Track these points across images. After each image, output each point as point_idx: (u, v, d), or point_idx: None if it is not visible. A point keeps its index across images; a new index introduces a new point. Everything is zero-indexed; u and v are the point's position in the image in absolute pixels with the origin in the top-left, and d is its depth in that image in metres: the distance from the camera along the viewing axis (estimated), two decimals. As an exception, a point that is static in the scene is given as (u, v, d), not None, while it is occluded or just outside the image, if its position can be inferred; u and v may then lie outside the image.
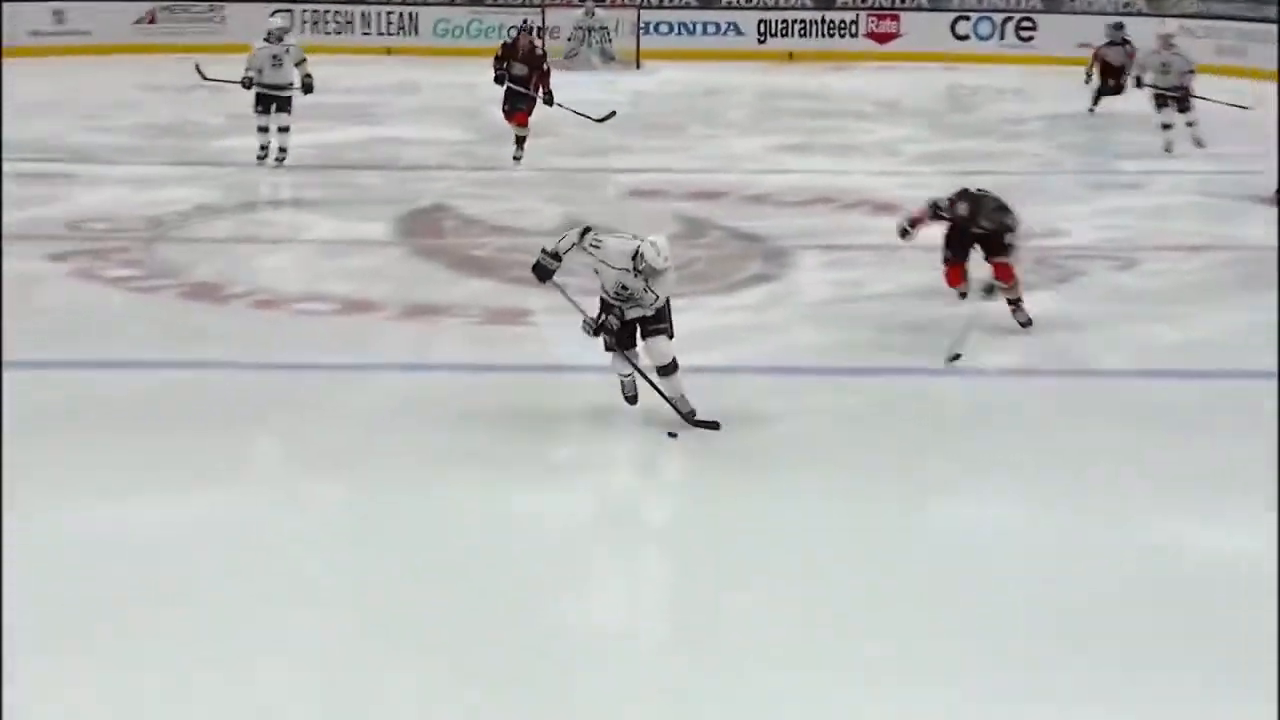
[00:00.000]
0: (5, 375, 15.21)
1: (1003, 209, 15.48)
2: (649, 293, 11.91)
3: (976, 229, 15.58)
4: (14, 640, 9.39)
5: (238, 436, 13.92)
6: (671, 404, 12.42)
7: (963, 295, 16.18)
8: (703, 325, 16.79)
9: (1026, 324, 15.91)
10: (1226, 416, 14.24)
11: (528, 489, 11.92)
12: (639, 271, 11.72)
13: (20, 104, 29.89)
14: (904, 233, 16.06)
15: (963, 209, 15.44)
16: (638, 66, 38.04)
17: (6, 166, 24.97)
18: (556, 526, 11.17)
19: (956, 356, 14.64)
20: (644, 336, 12.33)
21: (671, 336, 12.26)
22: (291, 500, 12.34)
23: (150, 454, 13.27)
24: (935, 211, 15.77)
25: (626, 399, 12.92)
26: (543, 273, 12.16)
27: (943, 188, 23.81)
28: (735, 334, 17.09)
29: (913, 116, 31.97)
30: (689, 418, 12.42)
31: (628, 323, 12.29)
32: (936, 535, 12.02)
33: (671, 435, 12.39)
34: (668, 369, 12.20)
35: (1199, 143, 25.86)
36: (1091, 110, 28.80)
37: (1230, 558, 11.17)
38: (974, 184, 15.87)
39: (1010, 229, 15.42)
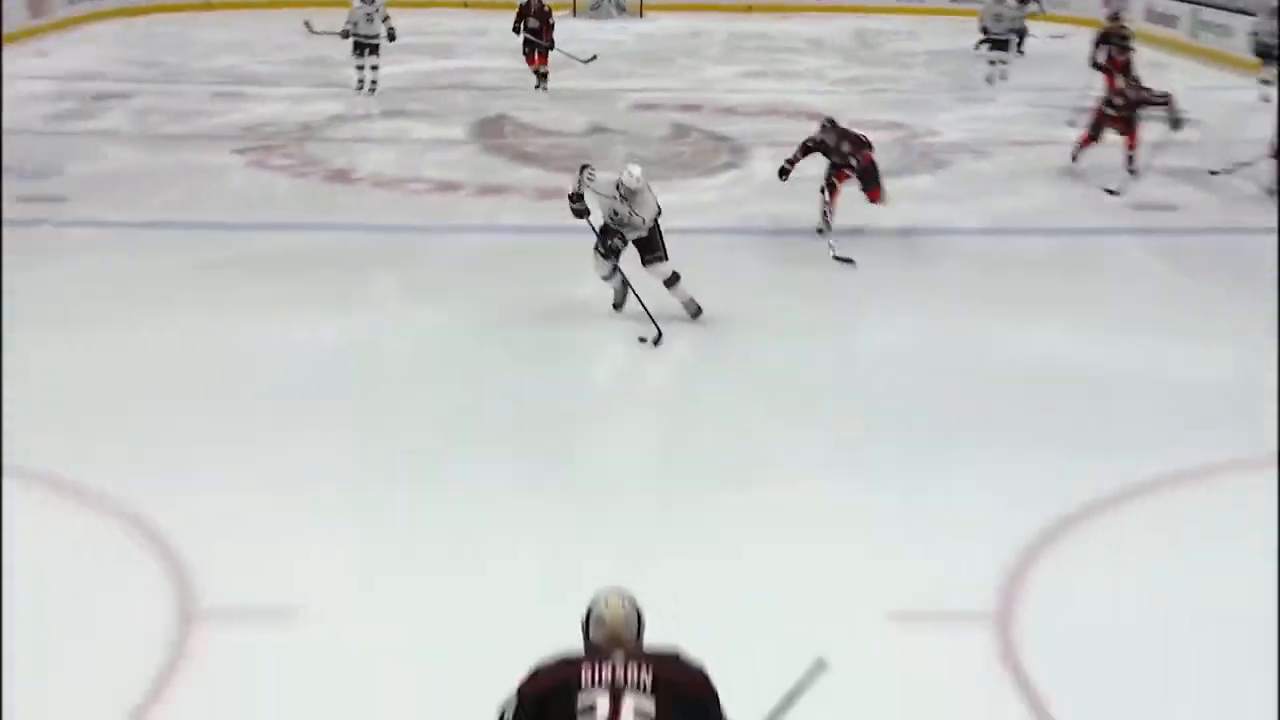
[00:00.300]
0: (196, 236, 16.04)
1: (857, 138, 14.83)
2: (635, 215, 11.51)
3: (839, 155, 14.78)
4: (207, 426, 10.31)
5: (362, 276, 14.60)
6: (683, 306, 12.01)
7: (825, 223, 14.96)
8: (688, 199, 17.81)
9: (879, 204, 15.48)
10: (1051, 260, 15.38)
11: (564, 316, 12.58)
12: (623, 197, 11.37)
13: (207, 46, 30.58)
14: (783, 173, 15.31)
15: (828, 137, 14.68)
16: (641, 15, 37.99)
17: (202, 89, 25.63)
18: (586, 341, 12.12)
19: (842, 258, 14.17)
20: (645, 264, 11.89)
21: (666, 259, 11.86)
22: (401, 322, 13.06)
23: (301, 289, 13.93)
24: (805, 148, 15.05)
25: (614, 305, 12.32)
26: (578, 214, 11.77)
27: (853, 101, 24.28)
28: (709, 205, 17.95)
29: (834, 51, 32.17)
30: (695, 311, 12.04)
31: (628, 243, 11.87)
32: (854, 351, 12.66)
33: (641, 340, 11.59)
34: (670, 281, 11.88)
35: (1004, 76, 25.98)
36: (976, 48, 27.76)
37: (1044, 356, 11.88)
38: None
39: (864, 147, 14.71)
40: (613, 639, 4.76)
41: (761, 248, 15.47)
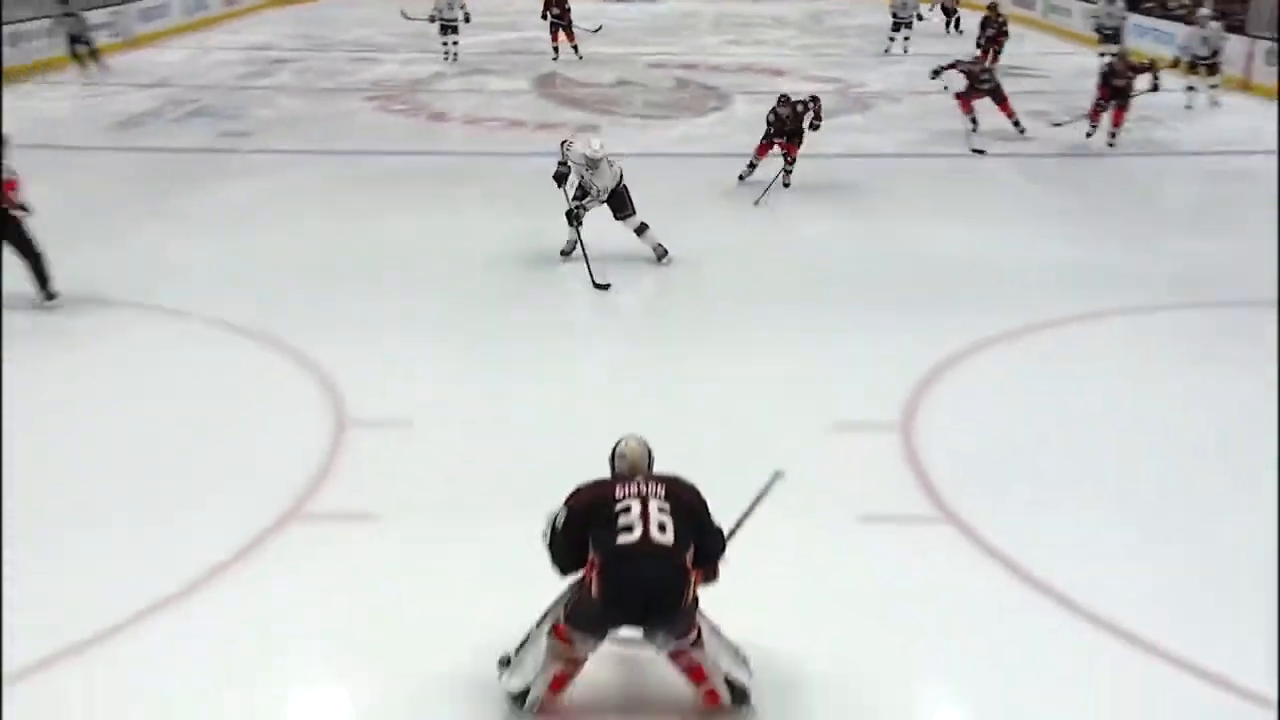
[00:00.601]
0: (338, 159, 16.18)
1: (803, 108, 13.36)
2: (599, 179, 10.29)
3: (785, 126, 13.38)
4: (349, 290, 10.41)
5: (454, 188, 14.73)
6: (653, 250, 10.79)
7: (752, 166, 13.92)
8: (688, 133, 18.35)
9: (787, 185, 13.66)
10: (945, 176, 15.34)
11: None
12: (588, 166, 10.18)
13: (346, 23, 30.55)
14: (751, 166, 13.93)
15: (783, 111, 13.30)
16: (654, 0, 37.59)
17: (342, 55, 25.63)
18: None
19: (743, 178, 13.74)
20: (617, 219, 10.69)
21: (634, 213, 10.64)
22: (481, 220, 13.18)
23: (411, 197, 14.12)
24: (769, 131, 13.59)
25: (562, 252, 11.04)
26: (558, 179, 10.43)
27: (806, 62, 24.07)
28: (703, 138, 18.08)
29: (792, 26, 31.71)
30: (661, 254, 10.82)
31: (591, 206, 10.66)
32: (793, 239, 12.66)
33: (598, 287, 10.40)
34: (640, 230, 10.67)
35: (906, 50, 24.95)
36: (894, 29, 26.31)
37: (937, 242, 12.06)
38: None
39: (808, 113, 13.34)
40: (633, 468, 5.00)
41: (738, 167, 14.92)
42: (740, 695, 5.01)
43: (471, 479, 7.25)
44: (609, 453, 5.15)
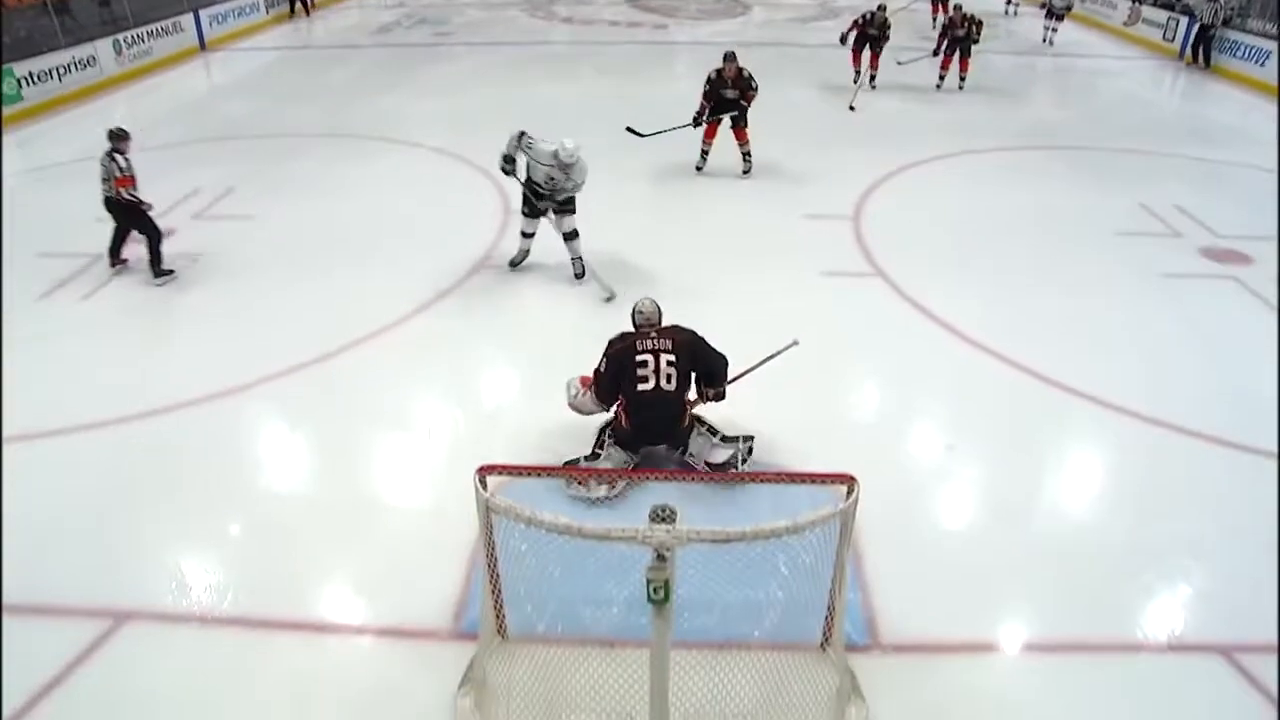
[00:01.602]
0: (506, 49, 16.73)
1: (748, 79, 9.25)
2: (570, 180, 7.17)
3: (729, 91, 9.39)
4: (512, 128, 9.68)
5: (573, 66, 15.64)
6: (571, 262, 7.49)
7: (705, 153, 9.84)
8: (721, 29, 18.59)
9: (747, 172, 9.87)
10: (890, 68, 14.11)
11: (662, 83, 12.97)
12: (561, 167, 7.05)
13: None
14: (696, 122, 9.65)
15: (726, 69, 9.33)
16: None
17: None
18: (670, 99, 11.45)
19: (700, 169, 9.98)
20: (556, 213, 7.36)
21: (573, 213, 7.38)
22: (594, 86, 14.07)
23: (549, 71, 15.13)
24: (708, 87, 9.52)
25: (511, 263, 7.72)
26: (506, 173, 7.33)
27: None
28: (731, 32, 18.31)
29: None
30: (579, 272, 7.52)
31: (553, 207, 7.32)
32: (786, 105, 13.05)
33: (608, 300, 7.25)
34: (570, 236, 7.39)
35: None
36: None
37: (880, 110, 12.70)
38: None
39: (749, 87, 9.29)
40: (648, 323, 4.91)
41: (759, 52, 14.86)
42: (729, 464, 4.87)
43: (601, 236, 7.62)
44: (630, 312, 5.01)
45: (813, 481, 3.27)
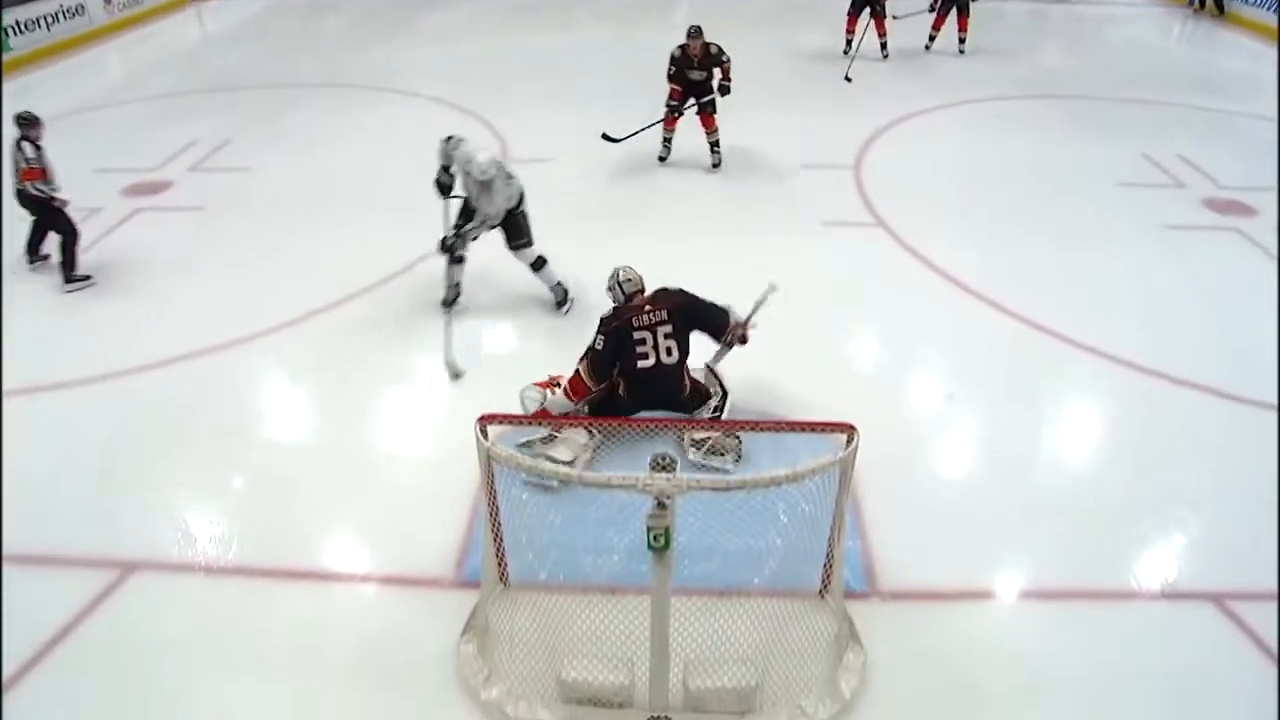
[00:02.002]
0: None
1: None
2: (491, 204, 5.87)
3: (695, 72, 8.15)
4: (522, 71, 10.64)
5: (569, 14, 15.19)
6: (550, 290, 6.33)
7: (667, 141, 8.58)
8: None
9: (716, 166, 8.63)
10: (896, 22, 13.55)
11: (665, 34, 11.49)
12: (480, 183, 5.81)
13: None
14: (675, 111, 8.38)
15: (690, 46, 8.03)
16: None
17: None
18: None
19: (664, 159, 8.75)
20: (511, 249, 6.15)
21: (531, 243, 6.13)
22: (591, 33, 13.90)
23: (543, 20, 14.76)
24: (673, 69, 8.23)
25: (443, 302, 6.30)
26: (442, 189, 6.10)
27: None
28: None
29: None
30: (560, 299, 6.34)
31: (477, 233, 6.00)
32: (801, 52, 12.69)
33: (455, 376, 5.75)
34: (537, 265, 6.22)
35: None
36: None
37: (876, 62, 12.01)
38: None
39: (719, 63, 7.97)
40: (636, 290, 4.80)
41: None
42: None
43: (589, 184, 7.89)
44: (611, 282, 4.83)
45: (812, 430, 3.29)
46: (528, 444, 4.22)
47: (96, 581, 4.07)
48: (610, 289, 4.79)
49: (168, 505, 4.29)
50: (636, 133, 8.30)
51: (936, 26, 12.14)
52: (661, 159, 8.58)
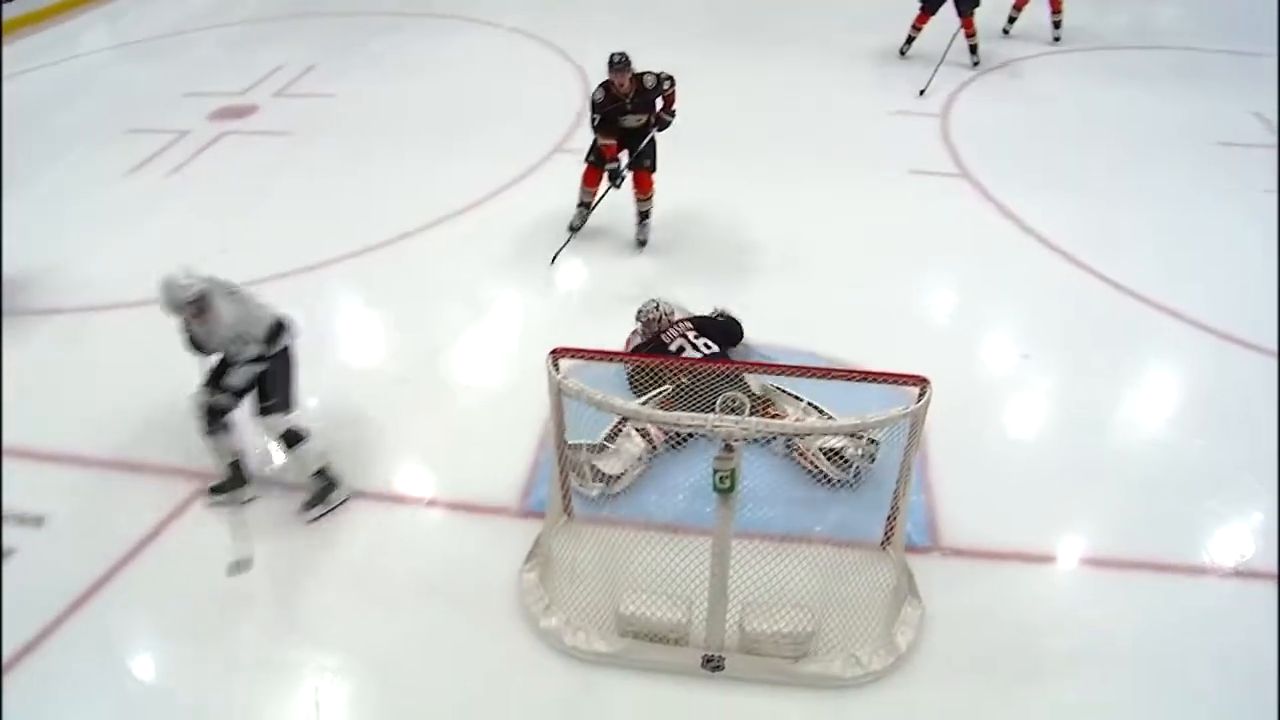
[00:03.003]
0: None
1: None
2: (210, 332, 3.94)
3: (628, 119, 5.98)
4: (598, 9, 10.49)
5: None
6: (308, 479, 4.26)
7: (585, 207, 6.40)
8: None
9: (642, 244, 6.44)
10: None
11: None
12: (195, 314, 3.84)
13: None
14: (614, 179, 6.13)
15: (615, 82, 5.88)
16: None
17: None
18: None
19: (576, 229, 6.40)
20: (261, 414, 4.16)
21: (286, 409, 4.18)
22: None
23: None
24: (596, 117, 6.00)
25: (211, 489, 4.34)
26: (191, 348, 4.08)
27: None
28: None
29: None
30: (313, 499, 4.27)
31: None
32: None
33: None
34: (289, 442, 4.23)
35: None
36: None
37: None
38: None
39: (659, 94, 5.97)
40: (658, 323, 4.83)
41: None
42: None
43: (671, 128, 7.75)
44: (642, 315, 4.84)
45: (885, 381, 3.24)
46: (575, 448, 3.92)
47: (182, 490, 4.28)
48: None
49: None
50: (561, 248, 6.32)
51: (1018, 6, 9.90)
52: (574, 229, 6.31)
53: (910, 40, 9.29)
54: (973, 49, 9.17)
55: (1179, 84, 9.02)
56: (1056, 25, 9.91)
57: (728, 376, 4.06)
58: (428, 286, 5.77)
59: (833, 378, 3.47)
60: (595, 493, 3.94)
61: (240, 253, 6.09)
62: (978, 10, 8.89)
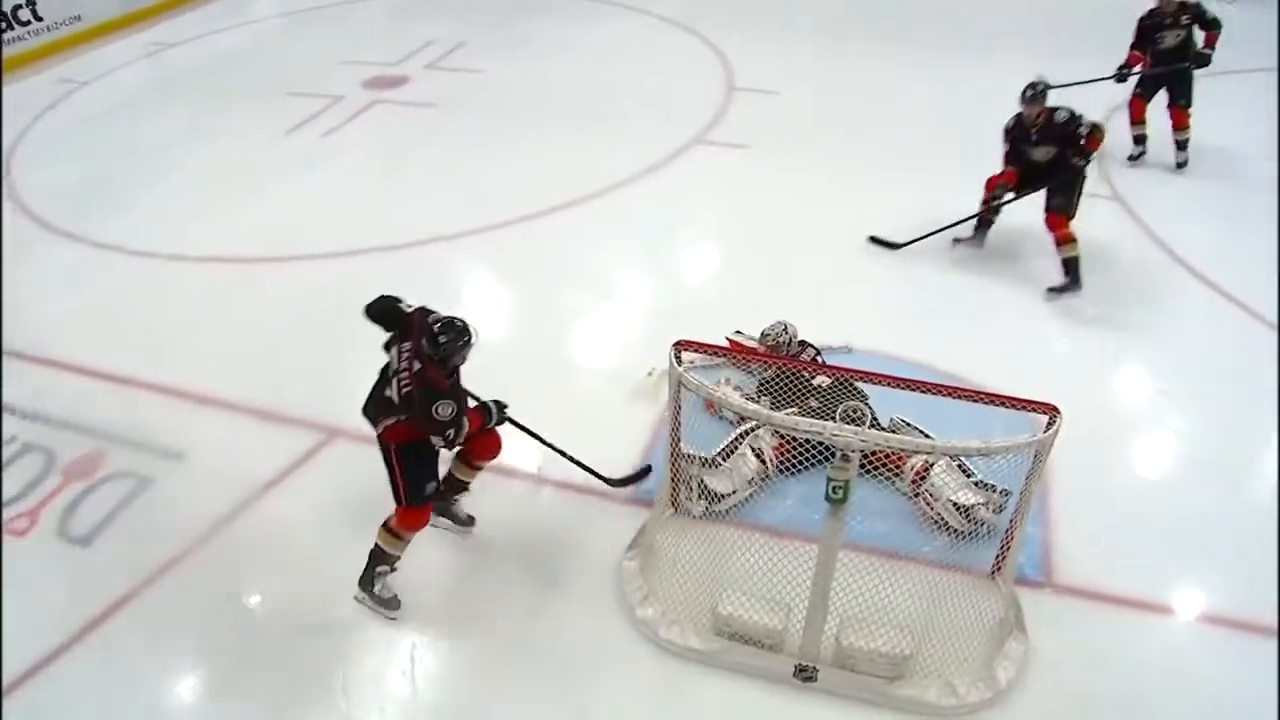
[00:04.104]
0: None
1: None
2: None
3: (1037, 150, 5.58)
4: None
5: None
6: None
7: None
8: None
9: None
10: None
11: None
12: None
13: None
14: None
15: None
16: None
17: None
18: None
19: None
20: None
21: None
22: None
23: None
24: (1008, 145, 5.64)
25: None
26: None
27: None
28: None
29: None
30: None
31: None
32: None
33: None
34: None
35: None
36: None
37: None
38: None
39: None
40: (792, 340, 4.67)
41: None
42: None
43: (818, 123, 7.60)
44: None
45: (1013, 406, 3.14)
46: (688, 459, 3.86)
47: (308, 440, 4.52)
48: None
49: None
50: (923, 238, 6.09)
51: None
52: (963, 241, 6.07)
53: (1138, 140, 7.48)
54: (1180, 145, 7.36)
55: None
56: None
57: (855, 393, 4.00)
58: (557, 266, 5.89)
59: (959, 397, 3.34)
60: (699, 511, 3.87)
61: (385, 216, 6.39)
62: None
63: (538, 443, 3.68)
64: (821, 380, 4.23)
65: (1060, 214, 5.54)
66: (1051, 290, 5.69)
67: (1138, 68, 7.01)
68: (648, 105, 7.99)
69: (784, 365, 4.29)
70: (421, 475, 3.46)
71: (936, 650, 3.32)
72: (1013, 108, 5.52)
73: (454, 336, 3.21)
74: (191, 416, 4.71)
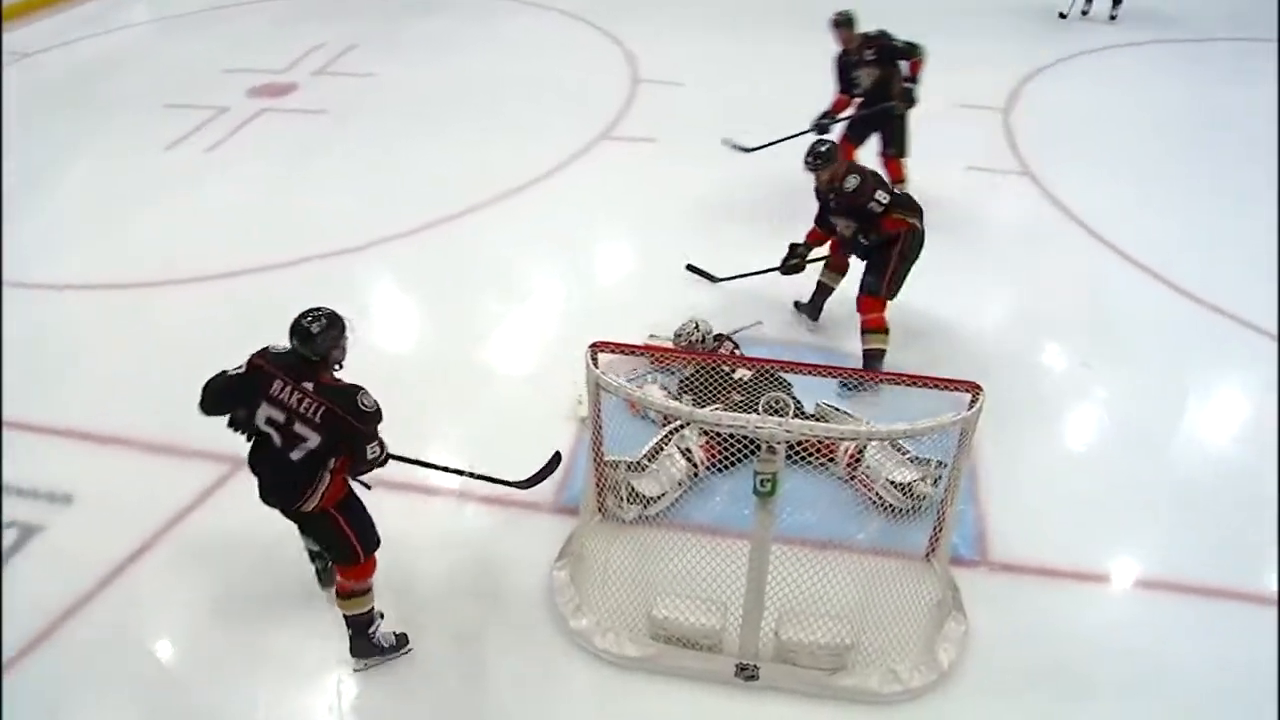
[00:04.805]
0: None
1: None
2: None
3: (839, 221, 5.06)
4: None
5: None
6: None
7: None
8: None
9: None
10: None
11: None
12: None
13: None
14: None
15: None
16: None
17: None
18: None
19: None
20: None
21: None
22: None
23: None
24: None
25: None
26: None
27: None
28: None
29: None
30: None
31: None
32: None
33: None
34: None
35: None
36: None
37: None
38: None
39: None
40: (706, 337, 4.77)
41: None
42: None
43: (724, 114, 7.59)
44: None
45: (935, 386, 3.23)
46: (613, 465, 3.87)
47: (210, 474, 4.39)
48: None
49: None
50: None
51: None
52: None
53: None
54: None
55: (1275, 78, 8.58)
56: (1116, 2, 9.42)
57: (777, 383, 4.03)
58: (468, 271, 5.87)
59: (880, 381, 3.44)
60: (631, 516, 3.89)
61: (278, 232, 6.25)
62: None
63: (428, 468, 3.60)
64: (743, 374, 4.25)
65: (873, 296, 4.72)
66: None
67: (845, 112, 6.31)
68: (551, 102, 8.03)
69: (703, 361, 4.30)
70: (365, 518, 3.31)
71: (877, 637, 3.40)
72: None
73: (328, 325, 2.96)
74: (82, 457, 4.54)
